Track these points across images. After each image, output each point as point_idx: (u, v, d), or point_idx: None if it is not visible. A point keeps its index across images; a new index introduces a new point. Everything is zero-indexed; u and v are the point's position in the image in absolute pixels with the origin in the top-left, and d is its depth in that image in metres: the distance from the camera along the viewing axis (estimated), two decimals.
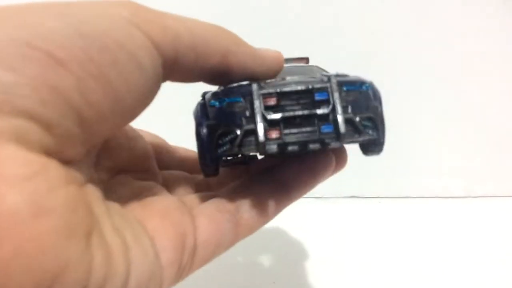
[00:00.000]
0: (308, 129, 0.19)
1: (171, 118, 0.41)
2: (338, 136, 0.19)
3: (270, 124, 0.19)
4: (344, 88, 0.20)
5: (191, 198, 0.23)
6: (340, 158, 0.25)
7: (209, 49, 0.18)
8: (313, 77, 0.20)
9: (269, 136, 0.19)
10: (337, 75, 0.21)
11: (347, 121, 0.19)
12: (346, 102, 0.19)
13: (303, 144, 0.19)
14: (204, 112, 0.21)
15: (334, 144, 0.19)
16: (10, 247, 0.12)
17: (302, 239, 0.43)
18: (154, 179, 0.24)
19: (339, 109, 0.19)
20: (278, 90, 0.19)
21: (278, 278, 0.38)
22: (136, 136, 0.24)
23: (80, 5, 0.15)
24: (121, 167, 0.22)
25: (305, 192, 0.24)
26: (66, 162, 0.15)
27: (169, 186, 0.24)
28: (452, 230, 0.45)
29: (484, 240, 0.43)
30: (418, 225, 0.46)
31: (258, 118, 0.19)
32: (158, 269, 0.17)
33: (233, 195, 0.23)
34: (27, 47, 0.13)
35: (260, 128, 0.19)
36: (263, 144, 0.18)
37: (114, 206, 0.18)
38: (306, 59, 0.26)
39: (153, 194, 0.21)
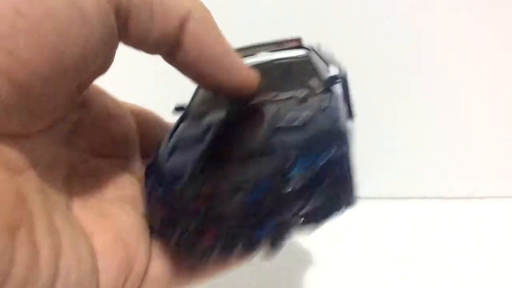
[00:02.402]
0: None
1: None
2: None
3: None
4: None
5: None
6: None
7: (167, 8, 0.16)
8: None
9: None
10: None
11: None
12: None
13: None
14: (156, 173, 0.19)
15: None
16: None
17: (303, 240, 0.42)
18: (132, 170, 0.21)
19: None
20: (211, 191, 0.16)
21: (278, 278, 0.38)
22: (119, 114, 0.21)
23: None
24: (97, 150, 0.20)
25: None
26: (7, 136, 0.13)
27: None
28: (456, 232, 0.44)
29: (489, 242, 0.43)
30: (421, 227, 0.46)
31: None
32: (92, 284, 0.15)
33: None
34: None
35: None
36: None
37: (63, 203, 0.16)
38: (297, 40, 0.23)
39: (119, 200, 0.19)
